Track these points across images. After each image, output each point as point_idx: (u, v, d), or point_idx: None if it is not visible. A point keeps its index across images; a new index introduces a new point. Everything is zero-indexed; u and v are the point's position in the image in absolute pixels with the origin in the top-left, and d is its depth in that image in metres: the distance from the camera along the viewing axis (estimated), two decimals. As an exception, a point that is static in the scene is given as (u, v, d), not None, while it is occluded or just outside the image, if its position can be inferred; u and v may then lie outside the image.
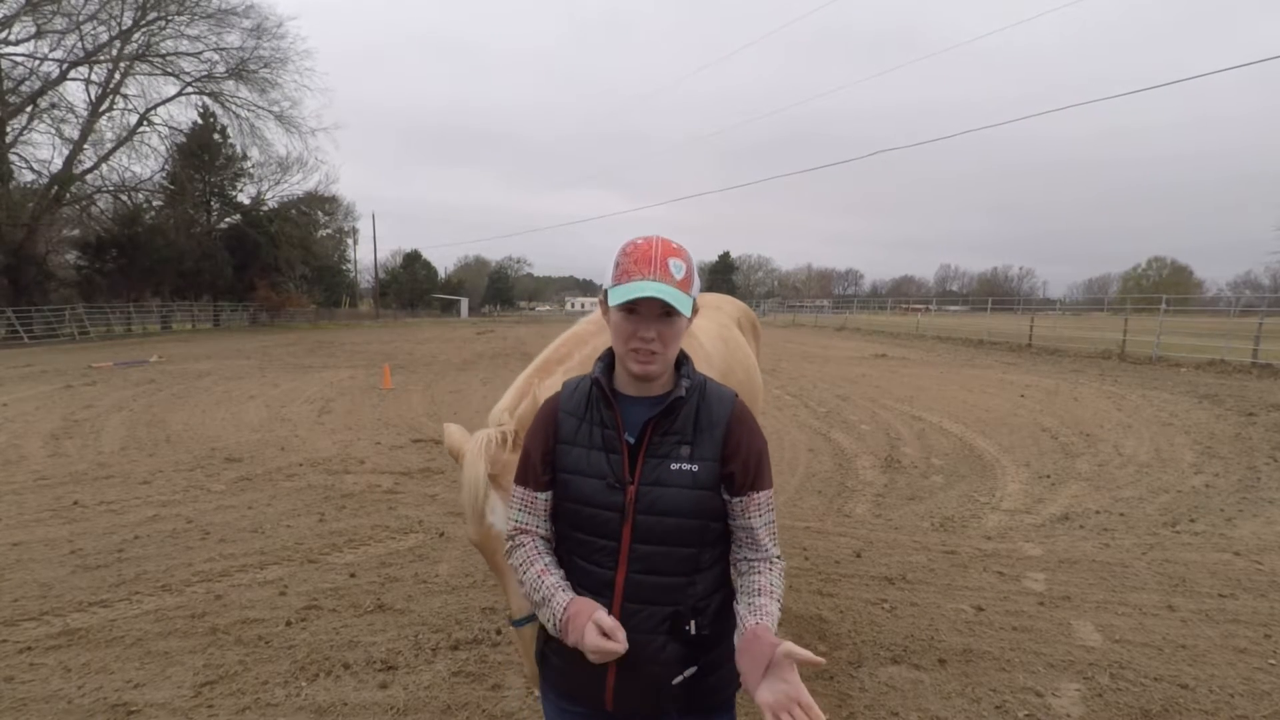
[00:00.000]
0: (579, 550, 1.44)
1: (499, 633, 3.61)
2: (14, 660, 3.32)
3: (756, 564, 1.42)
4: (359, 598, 4.03)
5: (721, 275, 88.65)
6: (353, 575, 4.36)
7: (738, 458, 1.41)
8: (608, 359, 1.49)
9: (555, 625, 1.36)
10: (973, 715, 2.94)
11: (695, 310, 1.42)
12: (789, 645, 1.21)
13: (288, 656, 3.37)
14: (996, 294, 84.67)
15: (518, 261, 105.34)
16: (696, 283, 1.41)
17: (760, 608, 1.34)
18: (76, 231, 34.35)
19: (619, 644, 1.28)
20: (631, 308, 1.35)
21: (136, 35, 30.71)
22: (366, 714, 2.92)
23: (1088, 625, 3.73)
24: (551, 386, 1.97)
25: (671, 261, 1.36)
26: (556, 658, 1.49)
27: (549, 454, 1.47)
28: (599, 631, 1.29)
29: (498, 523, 1.79)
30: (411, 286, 72.52)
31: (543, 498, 1.48)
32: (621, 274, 1.36)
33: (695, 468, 1.39)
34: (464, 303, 70.14)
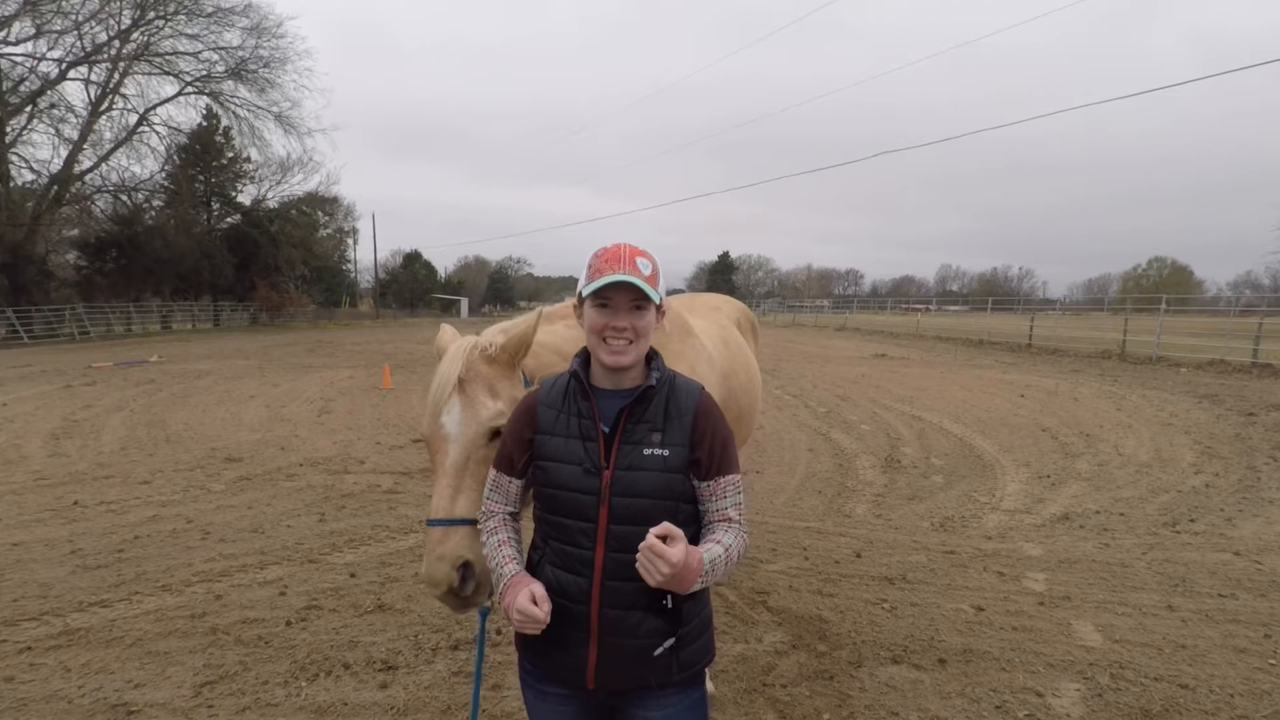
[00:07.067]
0: (558, 533, 1.52)
1: (499, 632, 3.61)
2: (14, 660, 3.32)
3: (722, 526, 1.52)
4: (359, 598, 4.03)
5: (721, 275, 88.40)
6: (353, 575, 4.36)
7: (704, 444, 1.52)
8: (585, 355, 1.60)
9: (499, 589, 1.51)
10: (973, 715, 2.94)
11: (662, 310, 1.57)
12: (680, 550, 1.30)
13: (288, 656, 3.37)
14: (996, 294, 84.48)
15: (518, 261, 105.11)
16: (663, 283, 1.56)
17: (705, 547, 1.43)
18: (76, 231, 34.24)
19: (541, 613, 1.39)
20: (604, 301, 1.50)
21: (135, 35, 30.65)
22: (366, 714, 2.93)
23: (1088, 625, 3.73)
24: (552, 331, 2.19)
25: (639, 260, 1.51)
26: (535, 640, 1.55)
27: (527, 443, 1.59)
28: (531, 597, 1.41)
29: (448, 424, 1.84)
30: (411, 286, 72.35)
31: (516, 483, 1.62)
32: (594, 272, 1.51)
33: (666, 453, 1.50)
34: (464, 303, 69.95)
